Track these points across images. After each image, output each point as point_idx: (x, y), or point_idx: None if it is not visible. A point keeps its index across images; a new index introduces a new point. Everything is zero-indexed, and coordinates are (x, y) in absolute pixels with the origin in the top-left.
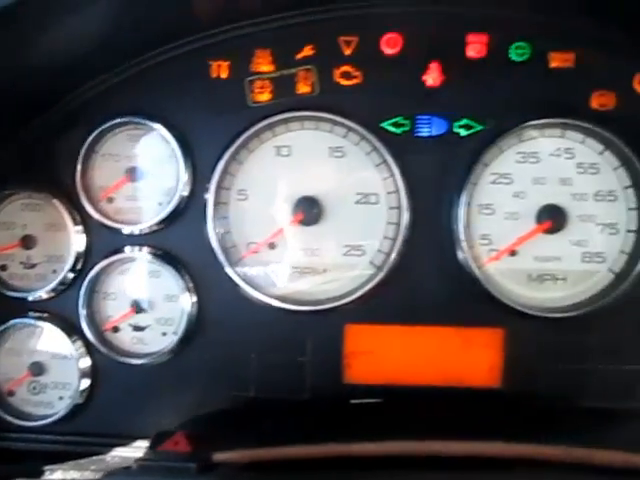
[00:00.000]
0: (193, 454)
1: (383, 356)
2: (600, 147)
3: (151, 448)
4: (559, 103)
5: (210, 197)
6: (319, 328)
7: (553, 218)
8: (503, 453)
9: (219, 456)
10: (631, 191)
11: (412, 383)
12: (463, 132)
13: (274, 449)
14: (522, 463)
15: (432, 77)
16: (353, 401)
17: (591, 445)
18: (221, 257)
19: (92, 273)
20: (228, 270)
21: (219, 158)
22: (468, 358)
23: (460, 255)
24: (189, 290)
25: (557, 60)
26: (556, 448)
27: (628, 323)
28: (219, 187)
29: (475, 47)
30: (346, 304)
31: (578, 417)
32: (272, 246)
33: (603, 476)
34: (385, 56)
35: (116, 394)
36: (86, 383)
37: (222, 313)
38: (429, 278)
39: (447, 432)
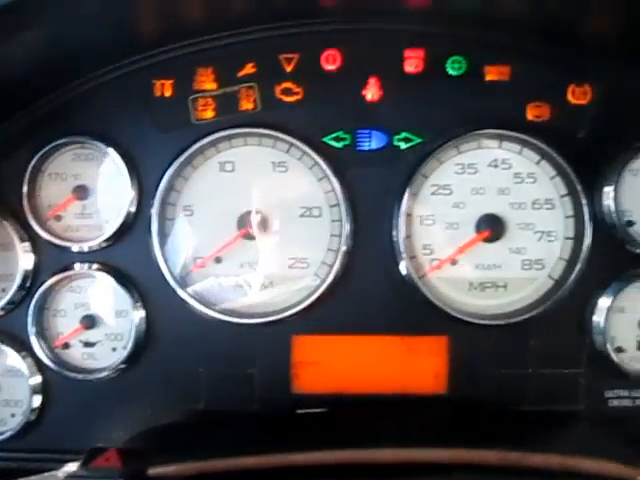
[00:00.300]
0: (124, 470)
1: (330, 366)
2: (536, 157)
3: (83, 464)
4: (496, 115)
5: (155, 213)
6: (266, 340)
7: (492, 227)
8: (441, 459)
9: (153, 471)
10: (567, 199)
11: (360, 392)
12: (403, 145)
13: (208, 462)
14: (460, 468)
15: (371, 92)
16: (299, 411)
17: (528, 448)
18: (167, 273)
19: (41, 290)
20: (175, 285)
21: (163, 175)
22: (413, 366)
23: (402, 265)
24: (138, 306)
25: (492, 73)
26: (493, 452)
27: (566, 327)
28: (165, 203)
29: (412, 62)
30: (292, 315)
31: (520, 421)
32: (218, 260)
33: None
34: (325, 72)
35: (68, 410)
36: (38, 400)
37: (170, 328)
38: (372, 288)
39: (390, 439)
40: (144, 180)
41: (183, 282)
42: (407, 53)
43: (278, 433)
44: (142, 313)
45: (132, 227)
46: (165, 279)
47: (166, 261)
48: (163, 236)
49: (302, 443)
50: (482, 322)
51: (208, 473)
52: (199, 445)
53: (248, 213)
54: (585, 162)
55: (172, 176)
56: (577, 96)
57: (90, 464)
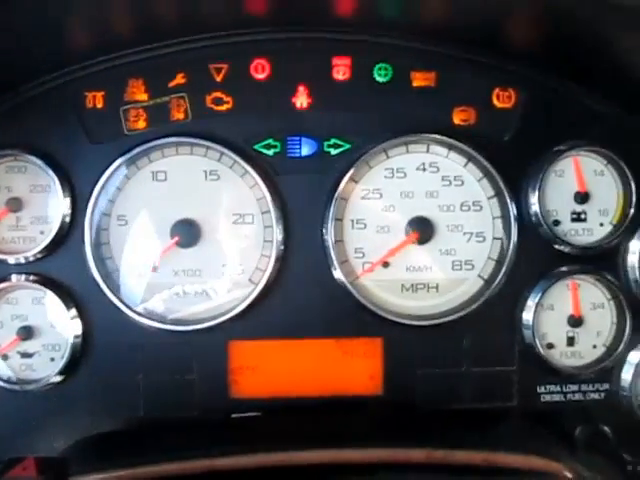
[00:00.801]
0: (40, 479)
1: (267, 370)
2: (463, 160)
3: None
4: (423, 120)
5: (87, 223)
6: (203, 346)
7: (421, 229)
8: (368, 458)
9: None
10: (495, 201)
11: (297, 395)
12: (333, 151)
13: (129, 470)
14: (387, 467)
15: (300, 100)
16: (234, 415)
17: (453, 446)
18: (102, 282)
19: None
20: (110, 295)
21: (95, 185)
22: (349, 368)
23: (334, 269)
24: (74, 316)
25: (419, 79)
26: (419, 451)
27: (497, 326)
28: (98, 213)
29: (340, 70)
30: (227, 321)
31: (453, 419)
32: (154, 269)
33: (464, 475)
34: (255, 81)
35: (8, 421)
36: None
37: (107, 337)
38: (306, 292)
39: (320, 441)
40: (77, 191)
41: (119, 291)
42: (335, 61)
43: (210, 438)
44: (79, 323)
45: (67, 238)
46: (100, 289)
47: (100, 271)
48: (98, 246)
49: (233, 447)
50: (415, 323)
51: None
52: (130, 452)
53: (181, 221)
54: (510, 164)
55: (105, 186)
56: (502, 100)
57: (6, 474)
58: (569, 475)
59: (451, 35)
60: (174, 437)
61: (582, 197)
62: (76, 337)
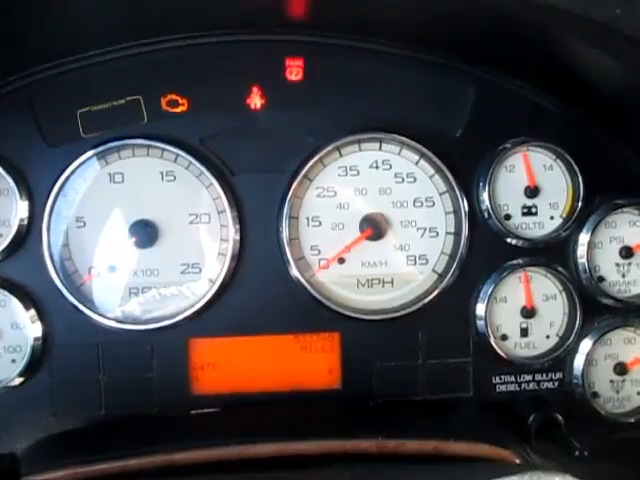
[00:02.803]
0: None
1: (227, 367)
2: (415, 157)
3: None
4: (375, 118)
5: (45, 226)
6: (163, 344)
7: (375, 226)
8: (319, 450)
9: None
10: (447, 196)
11: (257, 390)
12: (287, 150)
13: (82, 467)
14: (340, 458)
15: (254, 100)
16: (193, 412)
17: (404, 436)
18: (60, 284)
19: None
20: (69, 296)
21: (52, 188)
22: (308, 363)
23: (290, 267)
24: (34, 317)
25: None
26: (371, 441)
27: (452, 319)
28: (56, 216)
29: (293, 70)
30: (185, 319)
31: (409, 411)
32: (112, 269)
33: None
34: (210, 82)
35: None
36: None
37: (67, 337)
38: (263, 290)
39: (272, 434)
40: (35, 194)
41: (77, 292)
42: (288, 62)
43: (169, 434)
44: (38, 324)
45: (25, 240)
46: (59, 290)
47: (59, 272)
48: (56, 248)
49: (189, 442)
50: (371, 317)
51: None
52: (87, 450)
53: (139, 222)
54: (461, 160)
55: (61, 189)
56: (451, 98)
57: None
58: (517, 461)
59: (399, 34)
60: (133, 434)
61: (532, 191)
62: (36, 339)
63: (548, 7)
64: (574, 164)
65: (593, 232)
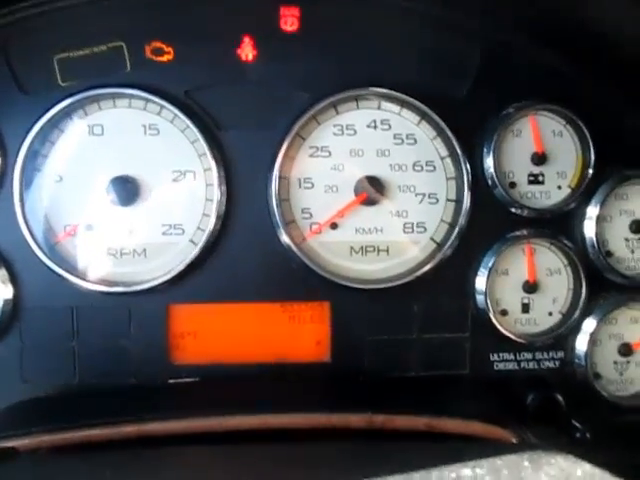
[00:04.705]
0: None
1: (209, 336)
2: (417, 118)
3: None
4: (374, 75)
5: (17, 180)
6: (141, 310)
7: (370, 189)
8: (307, 424)
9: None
10: (448, 161)
11: (241, 361)
12: (280, 106)
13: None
14: (326, 434)
15: (245, 51)
16: (171, 381)
17: (394, 412)
18: (32, 242)
19: None
20: (41, 255)
21: (25, 138)
22: (296, 333)
23: (279, 231)
24: (4, 278)
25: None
26: (359, 416)
27: (449, 291)
28: (30, 169)
29: (288, 20)
30: (165, 283)
31: (401, 386)
32: (89, 228)
33: (406, 442)
34: (198, 31)
35: None
36: None
37: (40, 300)
38: (249, 254)
39: (256, 407)
40: (7, 145)
41: (52, 251)
42: (283, 11)
43: (144, 404)
44: (9, 285)
45: None
46: (31, 249)
47: (32, 230)
48: (30, 204)
49: (162, 413)
50: (364, 287)
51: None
52: (56, 418)
53: (119, 178)
54: (465, 123)
55: (36, 140)
56: (456, 56)
57: None
58: (514, 441)
59: None
60: (105, 403)
61: (539, 158)
62: (6, 301)
63: None
64: (586, 131)
65: (602, 204)
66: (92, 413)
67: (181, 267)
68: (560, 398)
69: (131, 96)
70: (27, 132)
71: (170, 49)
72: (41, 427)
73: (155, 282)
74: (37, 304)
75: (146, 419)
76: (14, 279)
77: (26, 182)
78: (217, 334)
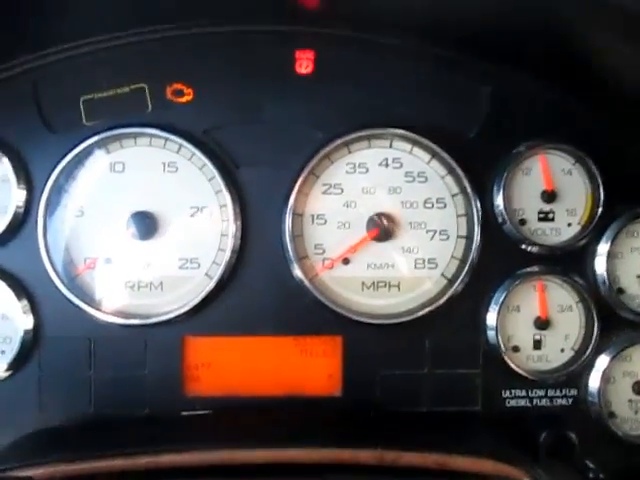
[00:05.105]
0: None
1: (223, 367)
2: (427, 156)
3: None
4: (386, 114)
5: (41, 214)
6: (158, 341)
7: (382, 226)
8: (317, 459)
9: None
10: (459, 198)
11: (253, 394)
12: (294, 145)
13: (65, 465)
14: (337, 469)
15: (262, 93)
16: (184, 413)
17: (404, 448)
18: (54, 274)
19: None
20: (62, 287)
21: (51, 174)
22: (307, 367)
23: (292, 265)
24: (25, 308)
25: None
26: (369, 452)
27: (461, 327)
28: (54, 204)
29: (303, 63)
30: (181, 315)
31: (412, 422)
32: (108, 261)
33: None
34: (216, 73)
35: None
36: None
37: (59, 330)
38: (263, 288)
39: (270, 440)
40: (34, 181)
41: (72, 284)
42: (298, 54)
43: (157, 435)
44: (30, 315)
45: (21, 228)
46: (52, 281)
47: (53, 263)
48: (53, 237)
49: (174, 445)
50: (376, 322)
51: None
52: (71, 448)
53: (138, 213)
54: (476, 161)
55: (61, 176)
56: (467, 96)
57: None
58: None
59: (411, 30)
60: (119, 434)
61: (549, 196)
62: (27, 331)
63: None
64: (595, 169)
65: (613, 241)
66: (106, 443)
67: (197, 300)
68: (573, 436)
69: (151, 135)
70: (53, 169)
71: (190, 90)
72: (56, 456)
73: (171, 315)
74: (56, 334)
75: (159, 451)
76: (35, 310)
77: (49, 215)
78: (230, 366)
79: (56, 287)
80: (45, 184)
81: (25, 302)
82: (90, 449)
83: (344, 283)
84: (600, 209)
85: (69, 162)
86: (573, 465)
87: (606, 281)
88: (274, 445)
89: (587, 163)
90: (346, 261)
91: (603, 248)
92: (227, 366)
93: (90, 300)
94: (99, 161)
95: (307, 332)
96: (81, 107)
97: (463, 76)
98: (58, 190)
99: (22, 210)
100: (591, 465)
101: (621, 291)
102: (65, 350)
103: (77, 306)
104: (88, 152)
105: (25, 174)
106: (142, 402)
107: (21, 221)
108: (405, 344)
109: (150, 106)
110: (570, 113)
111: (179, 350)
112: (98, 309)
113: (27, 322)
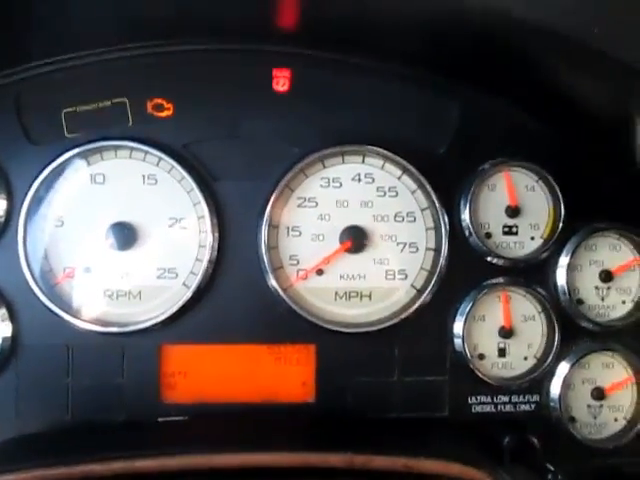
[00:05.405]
0: None
1: (199, 375)
2: (398, 172)
3: None
4: (359, 131)
5: (21, 224)
6: (134, 349)
7: (355, 238)
8: (287, 462)
9: None
10: (428, 212)
11: (229, 401)
12: (270, 159)
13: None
14: (309, 473)
15: (240, 109)
16: (160, 419)
17: (375, 452)
18: (33, 283)
19: None
20: (41, 295)
21: (31, 185)
22: (282, 375)
23: (267, 276)
24: (4, 316)
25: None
26: (339, 456)
27: (429, 336)
28: (34, 214)
29: (280, 81)
30: (159, 324)
31: (381, 427)
32: (87, 270)
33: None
34: (197, 89)
35: None
36: None
37: (37, 338)
38: (239, 298)
39: (240, 445)
40: (14, 191)
41: (51, 292)
42: (275, 72)
43: (133, 440)
44: (8, 323)
45: (0, 237)
46: (32, 289)
47: (33, 271)
48: (32, 246)
49: (151, 450)
50: (348, 330)
51: None
52: (48, 454)
53: (117, 224)
54: (444, 177)
55: (41, 187)
56: (436, 115)
57: None
58: None
59: (382, 51)
60: (96, 439)
61: (513, 211)
62: (5, 339)
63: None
64: (556, 186)
65: (573, 254)
66: (83, 449)
67: (174, 309)
68: (535, 440)
69: (132, 148)
70: (33, 179)
71: (170, 105)
72: (32, 463)
73: (149, 323)
74: (35, 342)
75: (135, 456)
76: (13, 318)
77: (29, 225)
78: (206, 374)
79: (35, 295)
80: (26, 194)
81: (4, 310)
82: (67, 455)
83: (318, 293)
84: (561, 224)
85: (50, 173)
86: (535, 468)
87: (566, 292)
88: (244, 449)
89: (549, 180)
90: (320, 272)
91: (564, 261)
92: (203, 374)
93: (69, 308)
94: (80, 172)
95: (282, 341)
96: (63, 120)
97: (432, 96)
98: (38, 200)
99: (2, 220)
100: (551, 468)
101: (580, 302)
102: (43, 357)
103: (56, 314)
104: (69, 163)
105: (6, 184)
106: (119, 409)
107: (1, 230)
108: (376, 352)
109: (131, 120)
110: (534, 134)
111: (156, 358)
112: (77, 317)
113: (5, 330)
